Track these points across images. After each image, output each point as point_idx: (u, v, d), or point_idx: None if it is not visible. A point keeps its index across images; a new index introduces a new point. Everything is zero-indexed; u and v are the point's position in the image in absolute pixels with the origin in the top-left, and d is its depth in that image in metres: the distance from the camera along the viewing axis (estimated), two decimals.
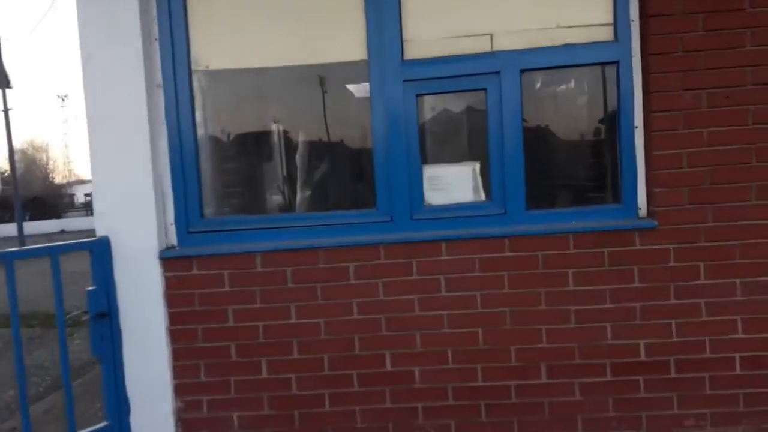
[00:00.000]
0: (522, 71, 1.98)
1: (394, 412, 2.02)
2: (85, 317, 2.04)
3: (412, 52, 2.03)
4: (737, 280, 1.93)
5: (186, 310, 2.04)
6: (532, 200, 2.01)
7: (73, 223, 22.40)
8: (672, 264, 1.94)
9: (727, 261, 1.93)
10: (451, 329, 2.00)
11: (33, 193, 25.82)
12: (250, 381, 2.05)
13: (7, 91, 16.68)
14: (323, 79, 2.20)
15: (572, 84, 2.16)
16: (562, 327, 1.97)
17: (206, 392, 2.06)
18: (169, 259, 2.04)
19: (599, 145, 2.17)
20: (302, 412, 2.04)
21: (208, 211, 2.18)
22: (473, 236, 1.97)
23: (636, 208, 2.01)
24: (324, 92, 2.22)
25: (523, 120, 1.99)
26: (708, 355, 1.95)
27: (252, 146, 2.37)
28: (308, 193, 2.28)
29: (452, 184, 2.07)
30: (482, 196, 2.07)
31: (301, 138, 2.30)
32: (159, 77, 2.06)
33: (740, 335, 1.95)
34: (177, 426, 2.07)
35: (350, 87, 2.21)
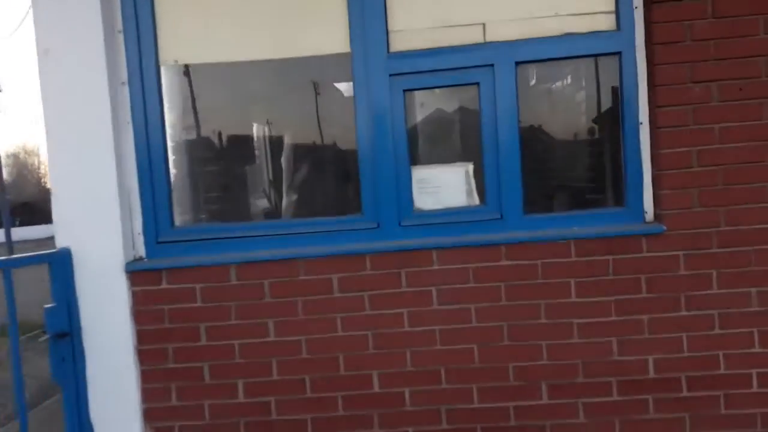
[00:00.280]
0: (517, 63, 1.86)
1: None
2: (43, 337, 1.87)
3: (399, 43, 1.90)
4: (753, 290, 1.81)
5: (155, 328, 1.91)
6: (529, 204, 1.90)
7: None
8: (682, 272, 1.82)
9: (742, 268, 1.81)
10: (444, 346, 1.87)
11: (24, 198, 25.56)
12: (226, 405, 1.92)
13: None
14: (304, 74, 2.07)
15: (571, 77, 2.04)
16: (565, 342, 1.85)
17: (178, 417, 1.92)
18: (135, 272, 1.91)
19: (601, 144, 2.05)
20: None
21: (180, 219, 2.04)
22: (467, 244, 1.85)
23: (642, 211, 1.89)
24: (307, 89, 2.08)
25: (520, 116, 1.87)
26: (722, 371, 1.83)
27: (228, 148, 2.24)
28: (288, 198, 2.15)
29: (443, 187, 1.95)
30: (476, 200, 1.95)
31: (281, 138, 2.16)
32: (124, 73, 1.92)
33: (757, 349, 1.82)
34: None
35: (338, 86, 2.08)
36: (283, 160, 2.13)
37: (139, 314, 1.91)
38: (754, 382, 1.82)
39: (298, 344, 1.89)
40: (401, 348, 1.88)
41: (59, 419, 1.95)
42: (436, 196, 1.96)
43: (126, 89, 1.92)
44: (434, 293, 1.86)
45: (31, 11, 1.82)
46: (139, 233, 1.96)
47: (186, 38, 1.96)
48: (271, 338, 1.89)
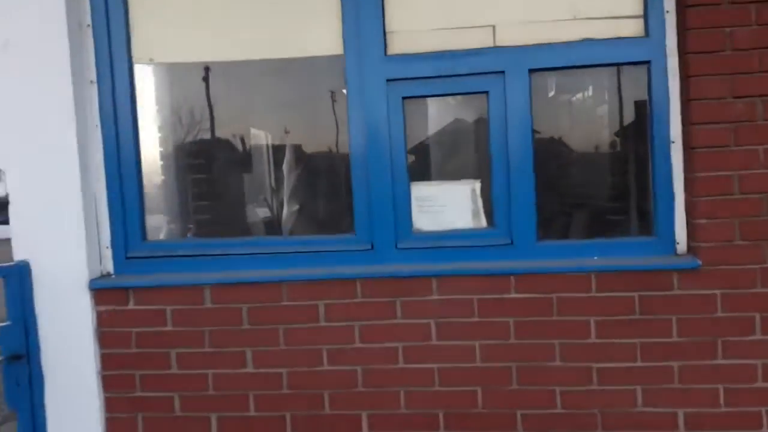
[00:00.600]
0: (531, 71, 1.71)
1: None
2: None
3: (397, 45, 1.76)
4: None
5: (121, 352, 1.79)
6: (543, 229, 1.74)
7: None
8: (719, 314, 1.63)
9: None
10: (444, 387, 1.71)
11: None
12: None
13: None
14: (292, 77, 1.95)
15: (593, 88, 1.90)
16: (581, 389, 1.67)
17: None
18: (100, 290, 1.78)
19: (626, 163, 1.90)
20: None
21: (152, 232, 1.91)
22: (471, 272, 1.70)
23: (673, 242, 1.71)
24: (295, 94, 1.94)
25: (534, 131, 1.72)
26: (765, 430, 1.61)
27: (207, 156, 2.13)
28: (273, 213, 2.00)
29: (447, 206, 1.81)
30: (483, 222, 1.80)
31: (266, 147, 2.01)
32: (92, 71, 1.80)
33: None
34: None
35: (336, 90, 1.94)
36: (268, 170, 1.99)
37: (103, 336, 1.79)
38: None
39: (278, 377, 1.75)
40: (394, 387, 1.73)
41: None
42: (437, 216, 1.81)
43: (95, 89, 1.81)
44: (433, 327, 1.71)
45: None
46: (107, 247, 1.84)
47: (162, 35, 1.84)
48: (249, 369, 1.76)
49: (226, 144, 2.05)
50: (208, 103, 2.07)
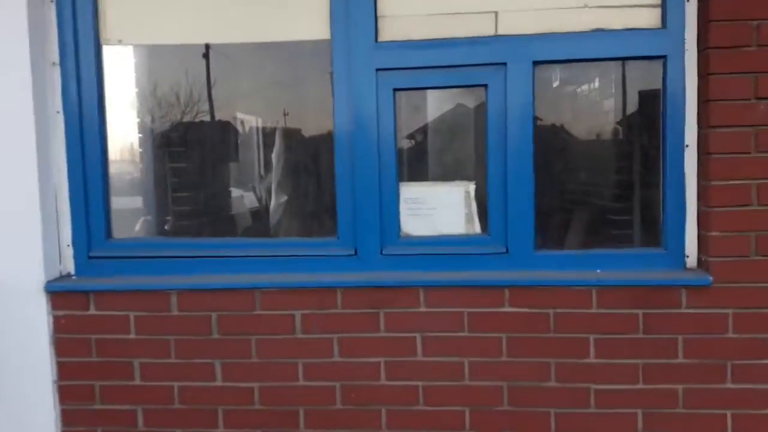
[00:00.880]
0: (535, 63, 1.59)
1: None
2: None
3: (389, 32, 1.63)
4: None
5: (80, 361, 1.70)
6: (542, 237, 1.65)
7: None
8: (730, 335, 1.53)
9: None
10: (429, 406, 1.63)
11: None
12: None
13: None
14: (274, 63, 1.83)
15: (601, 84, 1.77)
16: (579, 411, 1.59)
17: None
18: (58, 293, 1.68)
19: (635, 168, 1.79)
20: None
21: (118, 230, 1.78)
22: (462, 282, 1.60)
23: (683, 255, 1.60)
24: (277, 80, 1.82)
25: (536, 128, 1.60)
26: None
27: (180, 145, 2.00)
28: (250, 211, 1.85)
29: (438, 209, 1.71)
30: (477, 228, 1.69)
31: (246, 138, 1.88)
32: (54, 52, 1.67)
33: None
34: None
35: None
36: (247, 162, 1.86)
37: (60, 343, 1.69)
38: None
39: (250, 392, 1.66)
40: (375, 405, 1.64)
41: None
42: (428, 220, 1.70)
43: (57, 71, 1.68)
44: (419, 341, 1.61)
45: None
46: (68, 245, 1.72)
47: (134, 15, 1.71)
48: (218, 383, 1.66)
49: (200, 133, 1.94)
50: (186, 88, 1.94)
